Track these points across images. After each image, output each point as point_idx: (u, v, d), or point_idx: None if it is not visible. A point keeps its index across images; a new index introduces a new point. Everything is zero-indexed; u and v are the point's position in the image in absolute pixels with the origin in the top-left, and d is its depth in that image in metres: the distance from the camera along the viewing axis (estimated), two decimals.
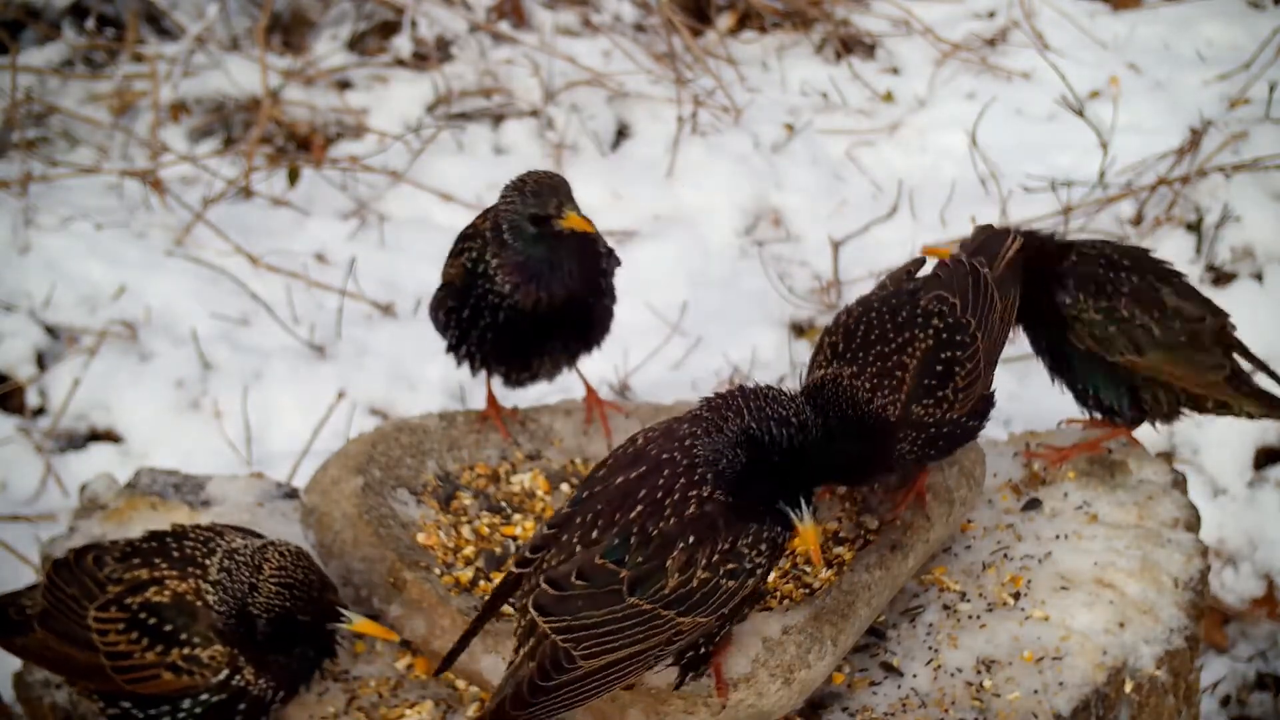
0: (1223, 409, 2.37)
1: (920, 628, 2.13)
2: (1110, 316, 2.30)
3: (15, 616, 2.05)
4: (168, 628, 1.95)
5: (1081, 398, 2.39)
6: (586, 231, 2.25)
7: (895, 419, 2.02)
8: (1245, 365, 2.40)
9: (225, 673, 1.96)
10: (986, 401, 2.12)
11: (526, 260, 2.28)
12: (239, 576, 1.95)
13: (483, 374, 2.44)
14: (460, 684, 2.12)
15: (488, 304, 2.32)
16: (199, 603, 1.96)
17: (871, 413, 2.01)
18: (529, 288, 2.29)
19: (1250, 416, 2.38)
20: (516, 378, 2.43)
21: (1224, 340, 2.36)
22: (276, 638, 1.96)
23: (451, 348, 2.41)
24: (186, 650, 1.94)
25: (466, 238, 2.37)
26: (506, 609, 2.10)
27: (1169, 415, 2.38)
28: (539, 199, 2.25)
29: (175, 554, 1.99)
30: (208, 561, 1.98)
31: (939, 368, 2.04)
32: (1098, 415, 2.40)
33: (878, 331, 2.05)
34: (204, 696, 1.96)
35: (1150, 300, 2.31)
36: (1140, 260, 2.36)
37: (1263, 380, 2.42)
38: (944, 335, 2.05)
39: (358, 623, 1.98)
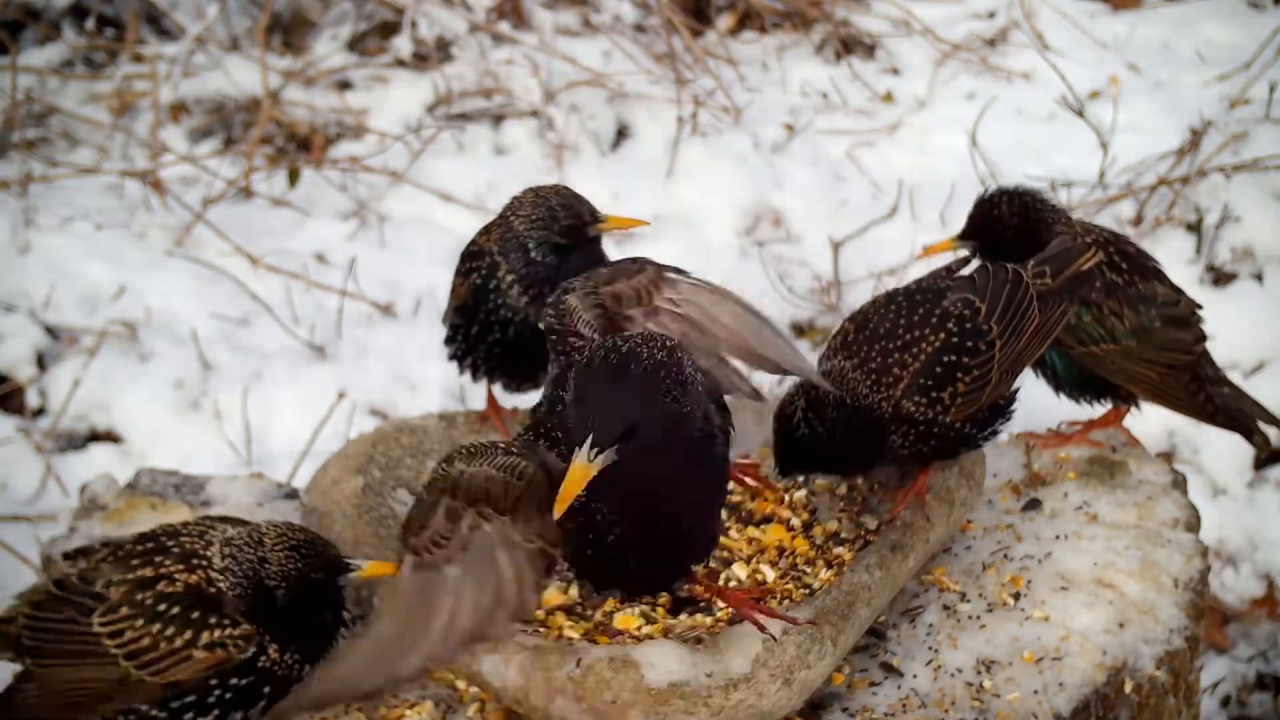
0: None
1: (920, 628, 2.13)
2: (1085, 310, 2.30)
3: None
4: (193, 614, 1.94)
5: (1058, 389, 2.40)
6: (629, 226, 2.33)
7: (888, 415, 2.04)
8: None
9: (253, 650, 1.95)
10: (995, 411, 2.11)
11: (557, 273, 2.28)
12: (244, 557, 1.96)
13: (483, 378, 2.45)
14: (460, 684, 2.12)
15: (499, 319, 2.33)
16: (213, 590, 1.95)
17: (866, 406, 2.03)
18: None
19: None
20: (518, 387, 2.44)
21: (1196, 325, 2.36)
22: (296, 604, 1.96)
23: (455, 358, 2.42)
24: (218, 632, 1.94)
25: (472, 256, 2.37)
26: None
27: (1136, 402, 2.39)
28: (569, 210, 2.28)
29: (175, 550, 1.99)
30: (209, 553, 1.98)
31: (939, 369, 2.04)
32: (1075, 403, 2.41)
33: (888, 326, 2.07)
34: (232, 680, 1.95)
35: (1123, 293, 2.31)
36: (1118, 252, 2.36)
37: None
38: (955, 339, 2.05)
39: (368, 566, 1.99)
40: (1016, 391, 2.14)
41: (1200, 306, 2.38)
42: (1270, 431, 2.42)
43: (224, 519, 2.07)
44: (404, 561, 1.79)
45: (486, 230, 2.37)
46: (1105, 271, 2.31)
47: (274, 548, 1.96)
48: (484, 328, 2.34)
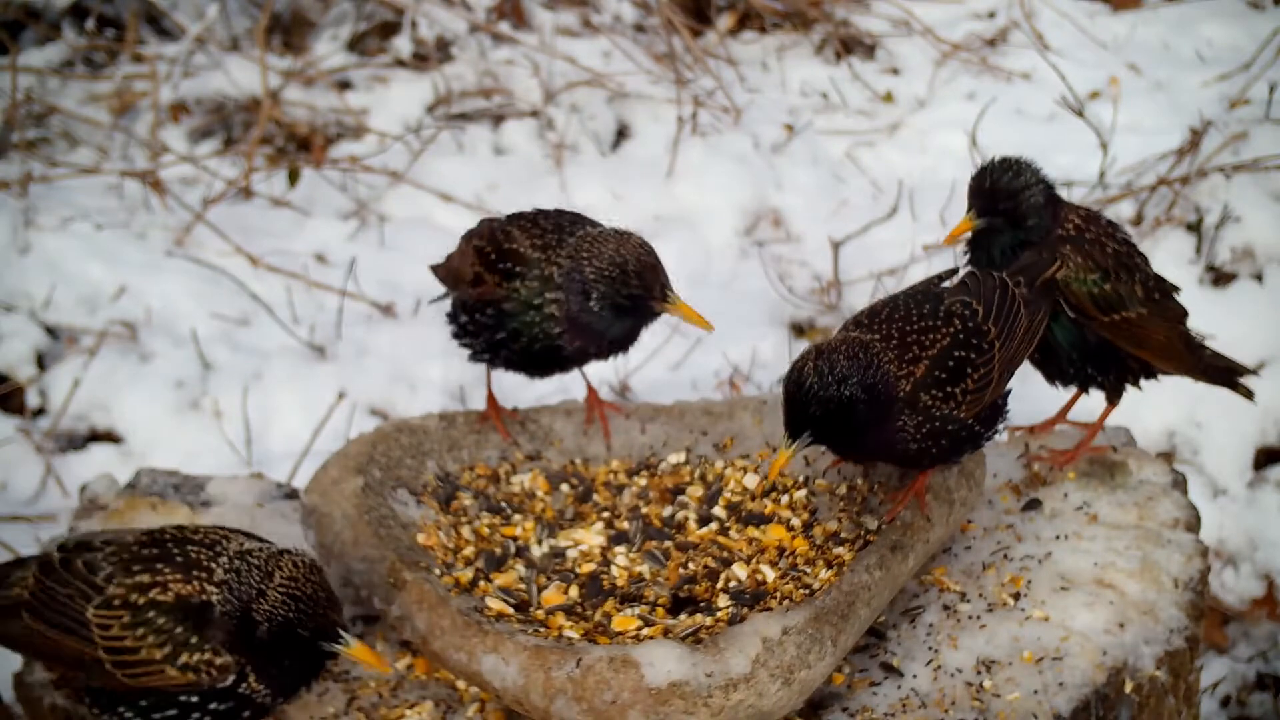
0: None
1: (920, 628, 2.13)
2: (1105, 277, 2.31)
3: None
4: (178, 630, 1.94)
5: (1061, 374, 2.39)
6: (695, 322, 2.29)
7: (905, 393, 2.04)
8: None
9: (232, 678, 1.95)
10: (995, 409, 2.14)
11: (602, 326, 2.31)
12: (248, 579, 1.94)
13: (483, 375, 2.46)
14: (460, 684, 2.12)
15: (529, 335, 2.33)
16: (204, 604, 1.95)
17: (887, 378, 2.03)
18: (584, 343, 2.33)
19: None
20: (532, 378, 2.47)
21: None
22: (273, 645, 1.95)
23: (468, 350, 2.43)
24: (197, 655, 1.94)
25: (512, 256, 2.33)
26: (504, 609, 2.10)
27: (1137, 377, 2.41)
28: (642, 280, 2.26)
29: (179, 558, 1.98)
30: (213, 564, 1.97)
31: (951, 364, 2.07)
32: (1074, 388, 2.42)
33: (902, 314, 2.10)
34: (212, 704, 1.95)
35: (1129, 262, 2.34)
36: (1107, 225, 2.39)
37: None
38: (961, 336, 2.08)
39: (354, 647, 1.96)
40: (1009, 393, 2.17)
41: (1177, 289, 2.42)
42: (1249, 381, 2.48)
43: (246, 534, 2.06)
44: None
45: (547, 249, 2.33)
46: (1109, 242, 2.33)
47: (278, 586, 1.93)
48: (511, 335, 2.35)
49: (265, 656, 1.96)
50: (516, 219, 2.39)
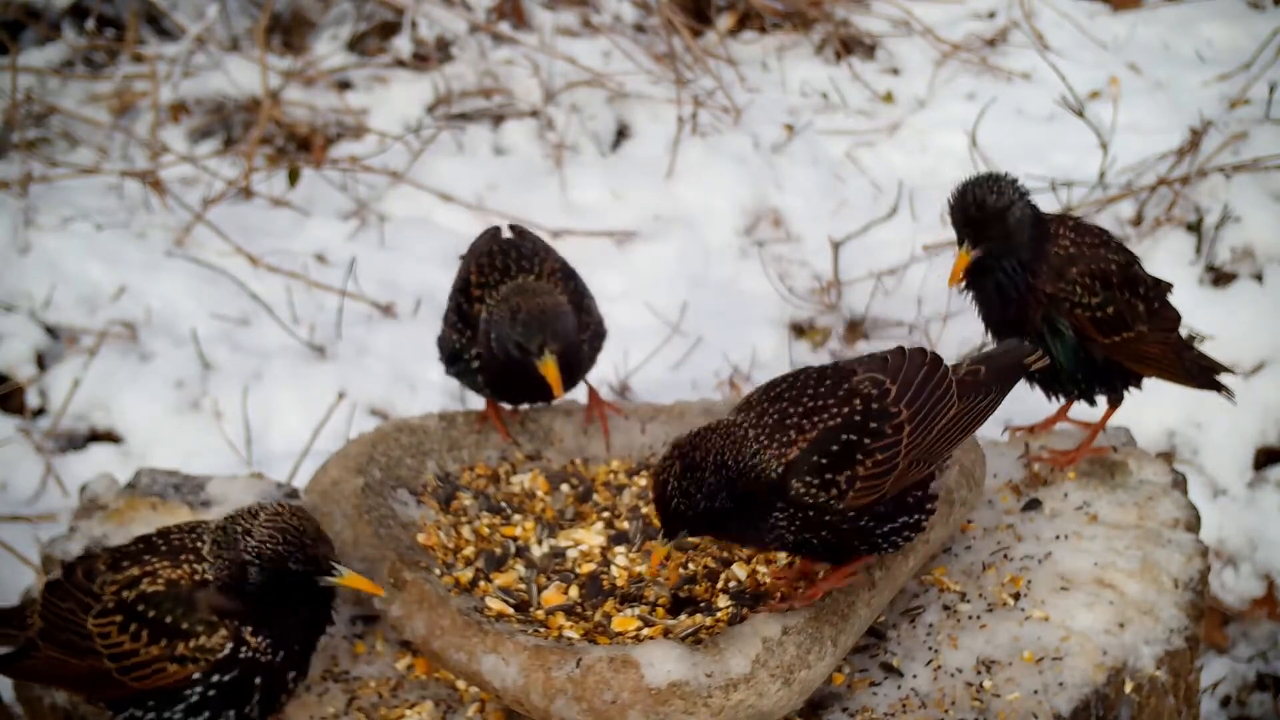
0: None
1: (920, 628, 2.13)
2: (1109, 300, 2.29)
3: (13, 634, 2.04)
4: (167, 620, 1.94)
5: (1065, 392, 2.38)
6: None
7: (774, 478, 1.89)
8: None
9: (230, 647, 1.95)
10: (901, 506, 1.96)
11: (503, 369, 2.37)
12: (234, 529, 1.95)
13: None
14: (460, 684, 2.12)
15: (472, 370, 2.43)
16: (193, 585, 1.95)
17: (750, 466, 1.89)
18: (498, 386, 2.43)
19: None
20: (514, 403, 2.52)
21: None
22: (269, 588, 1.94)
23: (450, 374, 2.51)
24: (192, 642, 1.94)
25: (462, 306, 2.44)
26: (504, 609, 2.10)
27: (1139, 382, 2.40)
28: (527, 332, 2.30)
29: (164, 548, 2.00)
30: (199, 544, 1.98)
31: (835, 448, 1.90)
32: (1066, 397, 2.40)
33: (794, 392, 1.94)
34: (214, 677, 1.95)
35: (1130, 274, 2.31)
36: (1106, 238, 2.36)
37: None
38: (857, 418, 1.91)
39: (347, 576, 1.96)
40: (932, 493, 2.00)
41: (1170, 286, 2.40)
42: (1229, 381, 2.46)
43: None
44: None
45: (482, 280, 2.43)
46: (1110, 255, 2.30)
47: (263, 523, 1.94)
48: (468, 368, 2.44)
49: (260, 605, 1.95)
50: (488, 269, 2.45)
